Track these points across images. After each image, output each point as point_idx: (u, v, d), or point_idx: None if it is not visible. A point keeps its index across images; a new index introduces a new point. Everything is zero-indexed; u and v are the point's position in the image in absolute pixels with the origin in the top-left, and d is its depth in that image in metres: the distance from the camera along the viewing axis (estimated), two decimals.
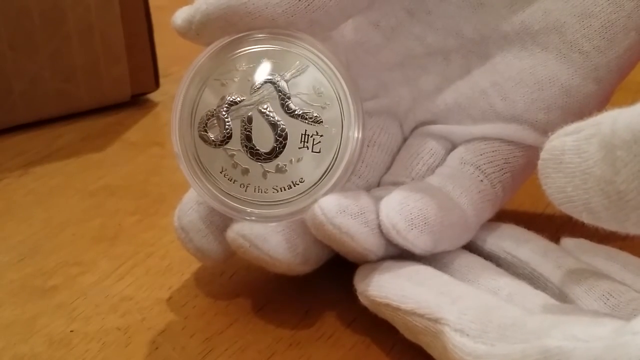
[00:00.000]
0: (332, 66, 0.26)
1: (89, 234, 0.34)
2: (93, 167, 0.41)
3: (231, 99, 0.26)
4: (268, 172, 0.25)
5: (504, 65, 0.29)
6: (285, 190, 0.25)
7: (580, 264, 0.26)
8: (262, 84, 0.25)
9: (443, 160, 0.30)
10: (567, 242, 0.28)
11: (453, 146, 0.30)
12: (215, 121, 0.26)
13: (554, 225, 0.30)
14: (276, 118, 0.25)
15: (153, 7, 0.49)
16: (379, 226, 0.25)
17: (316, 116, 0.25)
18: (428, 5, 0.29)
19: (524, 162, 0.29)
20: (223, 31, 0.26)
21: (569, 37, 0.27)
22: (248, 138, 0.25)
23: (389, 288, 0.24)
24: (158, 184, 0.39)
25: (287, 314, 0.28)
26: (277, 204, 0.25)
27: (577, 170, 0.19)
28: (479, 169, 0.28)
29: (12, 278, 0.31)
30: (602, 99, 0.29)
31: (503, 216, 0.29)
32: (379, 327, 0.25)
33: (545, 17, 0.28)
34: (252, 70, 0.26)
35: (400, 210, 0.25)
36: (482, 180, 0.28)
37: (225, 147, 0.26)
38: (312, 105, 0.25)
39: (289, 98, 0.25)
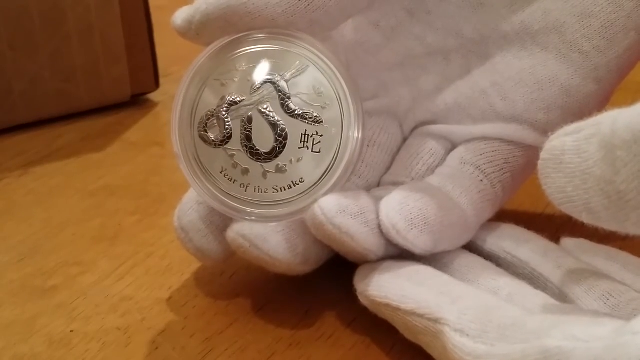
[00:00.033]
0: (332, 66, 0.26)
1: (89, 234, 0.34)
2: (93, 167, 0.41)
3: (231, 99, 0.26)
4: (268, 172, 0.25)
5: (504, 65, 0.29)
6: (285, 190, 0.25)
7: (580, 264, 0.26)
8: (262, 84, 0.25)
9: (443, 160, 0.30)
10: (567, 242, 0.28)
11: (453, 146, 0.30)
12: (215, 121, 0.26)
13: (554, 225, 0.30)
14: (276, 118, 0.25)
15: (153, 7, 0.49)
16: (379, 226, 0.25)
17: (316, 116, 0.25)
18: (428, 5, 0.29)
19: (524, 162, 0.29)
20: (223, 31, 0.26)
21: (568, 37, 0.27)
22: (248, 138, 0.25)
23: (389, 288, 0.24)
24: (158, 184, 0.39)
25: (287, 314, 0.28)
26: (277, 204, 0.25)
27: (577, 170, 0.19)
28: (479, 169, 0.28)
29: (12, 278, 0.31)
30: (602, 99, 0.29)
31: (503, 216, 0.29)
32: (379, 327, 0.25)
33: (545, 17, 0.28)
34: (252, 70, 0.26)
35: (400, 210, 0.25)
36: (482, 180, 0.28)
37: (225, 147, 0.26)
38: (312, 105, 0.25)
39: (289, 98, 0.25)
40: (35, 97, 0.45)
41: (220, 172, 0.26)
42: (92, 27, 0.45)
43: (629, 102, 0.19)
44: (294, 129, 0.25)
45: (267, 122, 0.25)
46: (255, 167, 0.25)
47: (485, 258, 0.27)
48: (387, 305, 0.24)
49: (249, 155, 0.25)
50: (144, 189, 0.38)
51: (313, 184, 0.25)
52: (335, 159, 0.25)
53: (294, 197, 0.25)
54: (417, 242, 0.25)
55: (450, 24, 0.29)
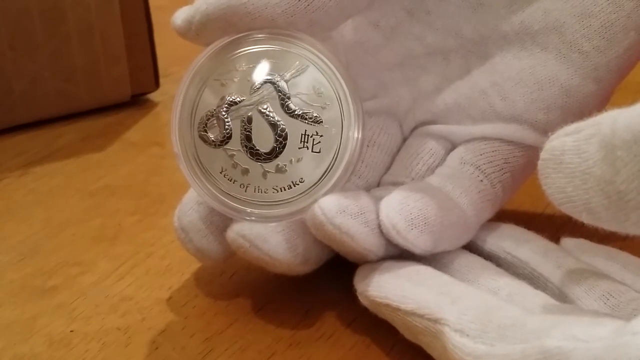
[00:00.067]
0: (332, 66, 0.26)
1: (89, 234, 0.34)
2: (93, 167, 0.41)
3: (231, 99, 0.26)
4: (268, 172, 0.25)
5: (503, 65, 0.29)
6: (285, 190, 0.25)
7: (580, 264, 0.26)
8: (262, 84, 0.25)
9: (443, 160, 0.30)
10: (567, 242, 0.28)
11: (453, 146, 0.30)
12: (215, 121, 0.26)
13: (554, 225, 0.30)
14: (276, 118, 0.25)
15: (153, 7, 0.49)
16: (379, 226, 0.25)
17: (316, 116, 0.25)
18: (428, 5, 0.29)
19: (524, 162, 0.29)
20: (223, 31, 0.26)
21: (568, 37, 0.27)
22: (248, 138, 0.25)
23: (389, 288, 0.24)
24: (158, 184, 0.39)
25: (287, 314, 0.28)
26: (277, 204, 0.25)
27: (577, 171, 0.19)
28: (479, 169, 0.28)
29: (12, 278, 0.31)
30: (602, 99, 0.29)
31: (503, 216, 0.29)
32: (379, 327, 0.25)
33: (544, 17, 0.28)
34: (252, 71, 0.26)
35: (400, 210, 0.25)
36: (482, 180, 0.28)
37: (225, 147, 0.26)
38: (312, 105, 0.25)
39: (288, 98, 0.25)
40: (35, 97, 0.45)
41: (220, 172, 0.26)
42: (92, 27, 0.45)
43: (629, 102, 0.19)
44: (293, 129, 0.25)
45: (267, 122, 0.25)
46: (255, 167, 0.25)
47: (485, 258, 0.27)
48: (387, 306, 0.24)
49: (248, 155, 0.25)
50: (144, 189, 0.38)
51: (313, 184, 0.25)
52: (335, 159, 0.25)
53: (294, 197, 0.25)
54: (417, 242, 0.25)
55: (450, 24, 0.29)
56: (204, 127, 0.26)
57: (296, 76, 0.25)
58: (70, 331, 0.27)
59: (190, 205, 0.27)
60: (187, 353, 0.26)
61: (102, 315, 0.28)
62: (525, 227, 0.28)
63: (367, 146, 0.30)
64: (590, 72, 0.27)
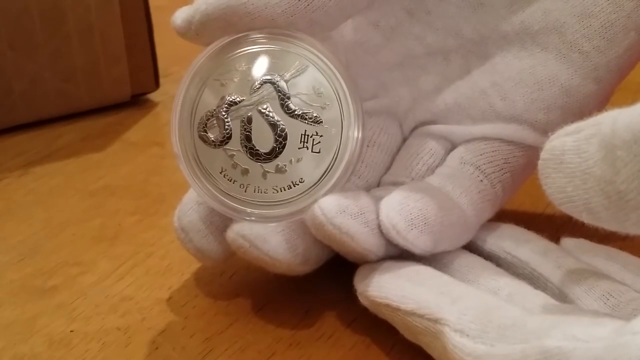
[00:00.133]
0: (331, 66, 0.26)
1: (89, 234, 0.34)
2: (93, 167, 0.41)
3: (231, 99, 0.26)
4: (268, 172, 0.25)
5: (503, 65, 0.29)
6: (285, 190, 0.25)
7: (580, 264, 0.26)
8: (261, 84, 0.25)
9: (443, 160, 0.30)
10: (567, 242, 0.28)
11: (453, 146, 0.30)
12: (215, 121, 0.26)
13: (554, 225, 0.30)
14: (276, 118, 0.25)
15: (153, 7, 0.49)
16: (379, 226, 0.25)
17: (316, 116, 0.25)
18: (428, 5, 0.29)
19: (524, 162, 0.29)
20: (223, 31, 0.26)
21: (568, 37, 0.27)
22: (248, 138, 0.25)
23: (389, 288, 0.24)
24: (158, 184, 0.39)
25: (287, 314, 0.28)
26: (277, 204, 0.25)
27: (577, 170, 0.19)
28: (479, 169, 0.28)
29: (12, 278, 0.31)
30: (602, 99, 0.29)
31: (503, 216, 0.29)
32: (379, 327, 0.25)
33: (545, 17, 0.28)
34: (252, 71, 0.26)
35: (400, 211, 0.25)
36: (482, 180, 0.28)
37: (225, 147, 0.26)
38: (312, 105, 0.25)
39: (288, 98, 0.25)
40: (35, 97, 0.45)
41: (220, 173, 0.26)
42: (92, 27, 0.45)
43: (629, 102, 0.19)
44: (293, 129, 0.25)
45: (266, 122, 0.25)
46: (255, 167, 0.25)
47: (485, 258, 0.27)
48: (387, 306, 0.24)
49: (248, 155, 0.25)
50: (144, 189, 0.38)
51: (313, 184, 0.25)
52: (335, 159, 0.25)
53: (293, 197, 0.25)
54: (417, 242, 0.25)
55: (450, 24, 0.29)
56: (203, 127, 0.26)
57: (296, 76, 0.25)
58: (70, 331, 0.27)
59: (190, 205, 0.27)
60: (187, 353, 0.26)
61: (102, 315, 0.28)
62: (525, 227, 0.28)
63: (367, 146, 0.30)
64: (590, 72, 0.27)
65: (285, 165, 0.25)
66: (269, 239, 0.25)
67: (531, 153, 0.28)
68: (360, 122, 0.25)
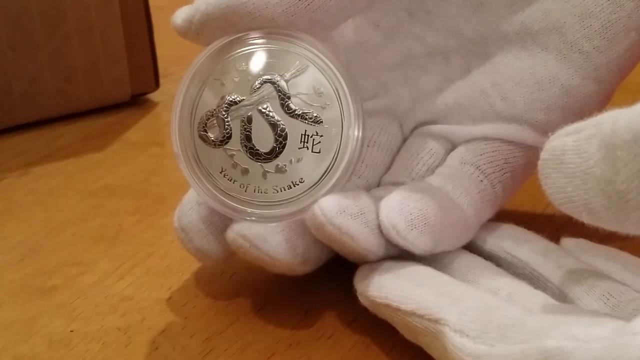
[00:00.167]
0: (332, 66, 0.26)
1: (89, 234, 0.34)
2: (93, 167, 0.41)
3: (231, 99, 0.26)
4: (268, 172, 0.25)
5: (504, 65, 0.29)
6: (285, 190, 0.25)
7: (580, 264, 0.26)
8: (262, 84, 0.25)
9: (443, 160, 0.30)
10: (567, 242, 0.28)
11: (453, 146, 0.30)
12: (215, 121, 0.26)
13: (554, 225, 0.30)
14: (276, 118, 0.25)
15: (153, 7, 0.49)
16: (379, 226, 0.25)
17: (316, 116, 0.25)
18: (428, 5, 0.29)
19: (524, 162, 0.29)
20: (223, 31, 0.26)
21: (569, 37, 0.27)
22: (248, 138, 0.25)
23: (389, 288, 0.24)
24: (158, 184, 0.39)
25: (287, 314, 0.28)
26: (277, 204, 0.25)
27: (578, 171, 0.19)
28: (479, 169, 0.28)
29: (12, 278, 0.31)
30: (603, 99, 0.28)
31: (503, 216, 0.29)
32: (379, 327, 0.25)
33: (545, 17, 0.28)
34: (252, 70, 0.26)
35: (400, 211, 0.25)
36: (482, 181, 0.28)
37: (224, 147, 0.26)
38: (312, 105, 0.25)
39: (288, 98, 0.25)
40: (35, 97, 0.45)
41: (220, 172, 0.26)
42: (92, 27, 0.45)
43: (629, 102, 0.18)
44: (293, 129, 0.25)
45: (267, 122, 0.25)
46: (255, 167, 0.25)
47: (485, 258, 0.27)
48: (387, 306, 0.24)
49: (248, 155, 0.25)
50: (144, 189, 0.38)
51: (313, 184, 0.25)
52: (335, 159, 0.25)
53: (293, 197, 0.25)
54: (417, 242, 0.25)
55: (450, 24, 0.29)
56: (203, 127, 0.26)
57: (296, 76, 0.25)
58: (70, 331, 0.27)
59: (190, 205, 0.27)
60: (187, 353, 0.26)
61: (102, 315, 0.28)
62: (525, 227, 0.28)
63: (367, 146, 0.30)
64: (590, 73, 0.27)
65: (285, 165, 0.25)
66: (269, 239, 0.25)
67: (531, 153, 0.28)
68: (360, 122, 0.25)
